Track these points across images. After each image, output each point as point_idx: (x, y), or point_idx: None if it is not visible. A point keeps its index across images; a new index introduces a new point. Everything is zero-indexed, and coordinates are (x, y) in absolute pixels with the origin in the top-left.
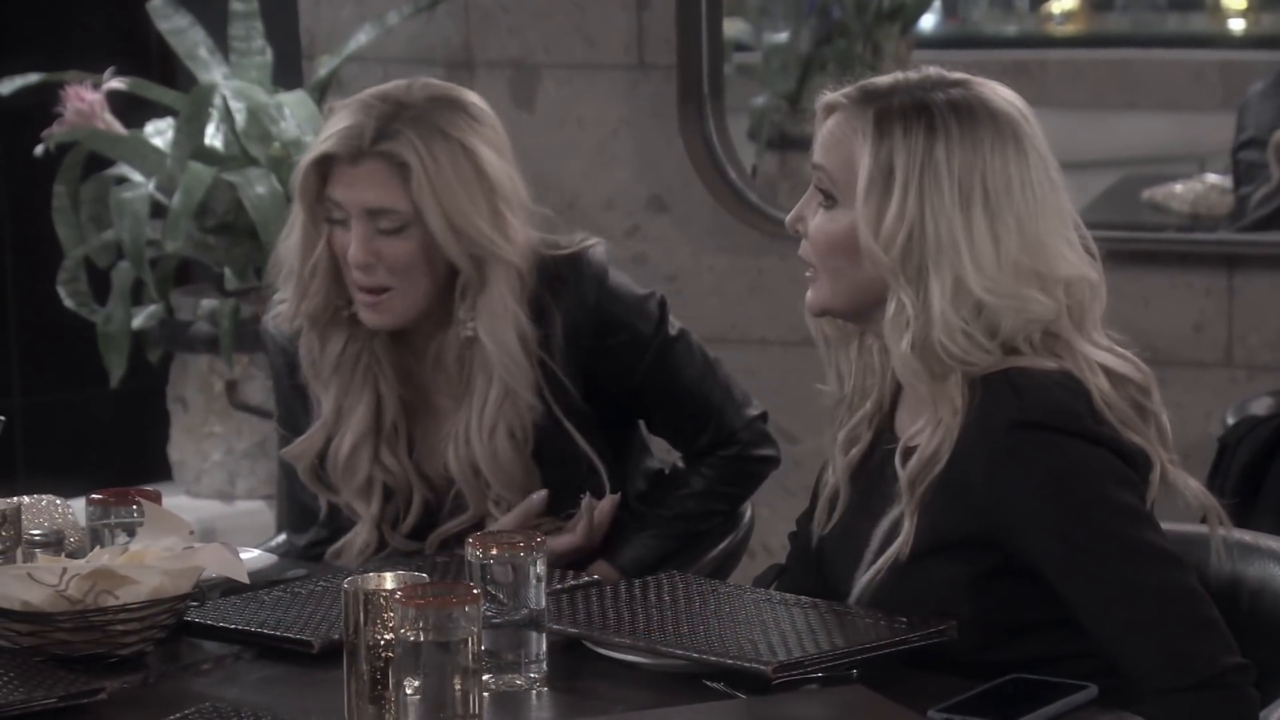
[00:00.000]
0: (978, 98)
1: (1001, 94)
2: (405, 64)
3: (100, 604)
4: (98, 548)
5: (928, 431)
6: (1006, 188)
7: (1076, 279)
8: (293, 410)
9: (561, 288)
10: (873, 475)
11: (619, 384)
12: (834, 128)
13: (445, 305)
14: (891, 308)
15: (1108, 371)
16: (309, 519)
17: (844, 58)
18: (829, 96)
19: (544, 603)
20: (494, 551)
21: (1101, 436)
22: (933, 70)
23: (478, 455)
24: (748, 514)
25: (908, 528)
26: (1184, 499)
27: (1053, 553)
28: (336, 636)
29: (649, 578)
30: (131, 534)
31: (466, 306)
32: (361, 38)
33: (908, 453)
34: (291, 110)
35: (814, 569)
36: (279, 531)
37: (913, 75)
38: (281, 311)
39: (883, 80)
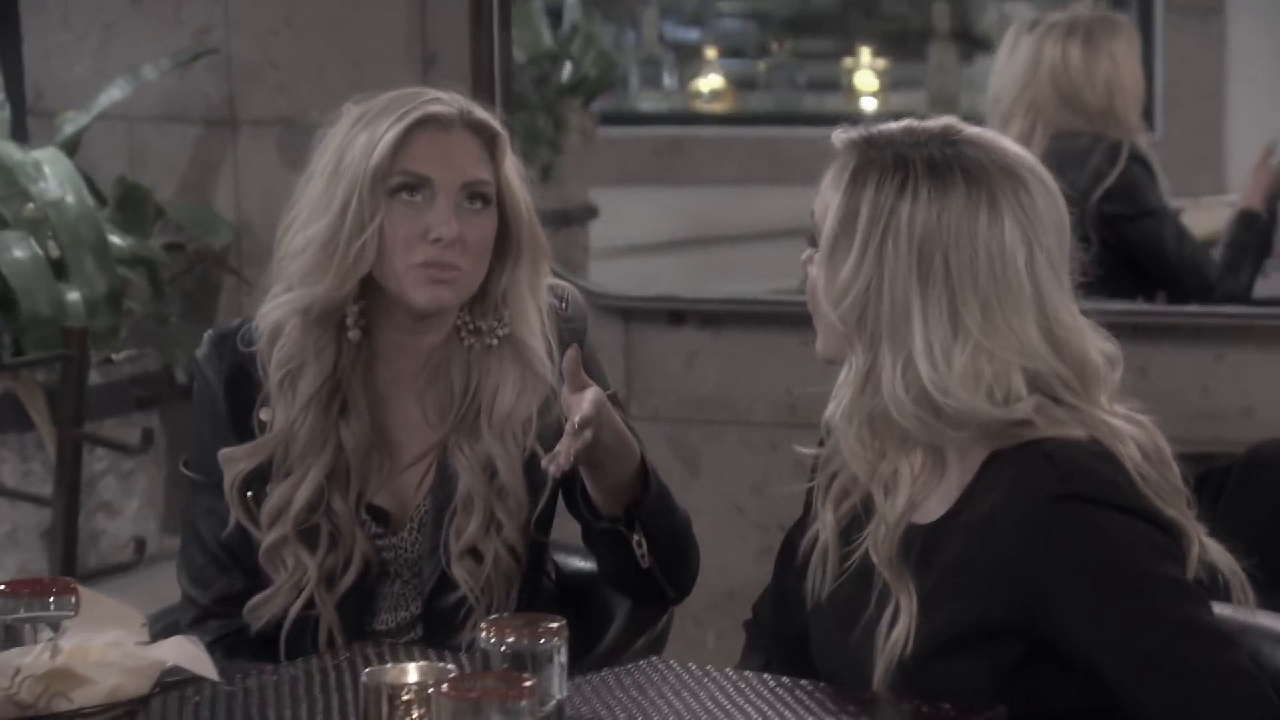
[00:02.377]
0: (961, 157)
1: (997, 155)
2: (158, 121)
3: (54, 708)
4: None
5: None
6: (971, 262)
7: (1051, 368)
8: (217, 447)
9: (559, 309)
10: (855, 550)
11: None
12: (828, 173)
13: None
14: (842, 372)
15: (1135, 442)
16: (217, 569)
17: (528, 131)
18: (833, 136)
19: (565, 692)
20: (511, 639)
21: (1145, 510)
22: (948, 122)
23: (500, 460)
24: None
25: (914, 619)
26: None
27: (1098, 633)
28: None
29: (660, 662)
30: (56, 628)
31: (495, 307)
32: (115, 93)
33: (914, 534)
34: (50, 168)
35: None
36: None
37: (924, 125)
38: (267, 310)
39: (892, 127)
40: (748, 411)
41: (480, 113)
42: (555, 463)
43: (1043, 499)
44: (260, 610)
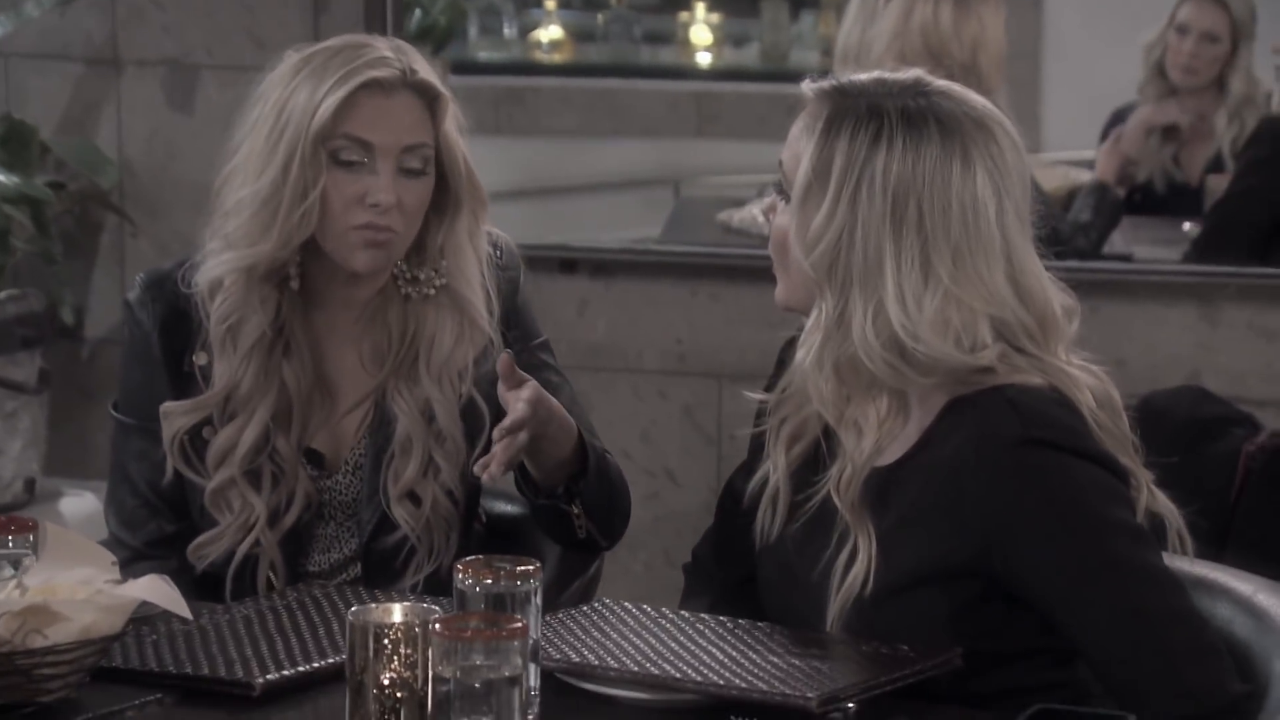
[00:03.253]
0: (935, 109)
1: (968, 108)
2: (38, 59)
3: (28, 645)
4: None
5: (886, 446)
6: (944, 211)
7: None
8: (151, 391)
9: (495, 258)
10: (816, 492)
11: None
12: (797, 123)
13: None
14: (810, 317)
15: (1090, 390)
16: (149, 512)
17: None
18: (802, 86)
19: (539, 632)
20: (489, 580)
21: (1102, 456)
22: (916, 74)
23: (437, 405)
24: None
25: (873, 559)
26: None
27: (1054, 574)
28: (277, 675)
29: (614, 604)
30: (16, 565)
31: (433, 258)
32: None
33: (872, 476)
34: None
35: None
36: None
37: (895, 77)
38: (209, 267)
39: (862, 78)
40: (638, 360)
41: (424, 73)
42: (488, 469)
43: (1005, 442)
44: (207, 549)
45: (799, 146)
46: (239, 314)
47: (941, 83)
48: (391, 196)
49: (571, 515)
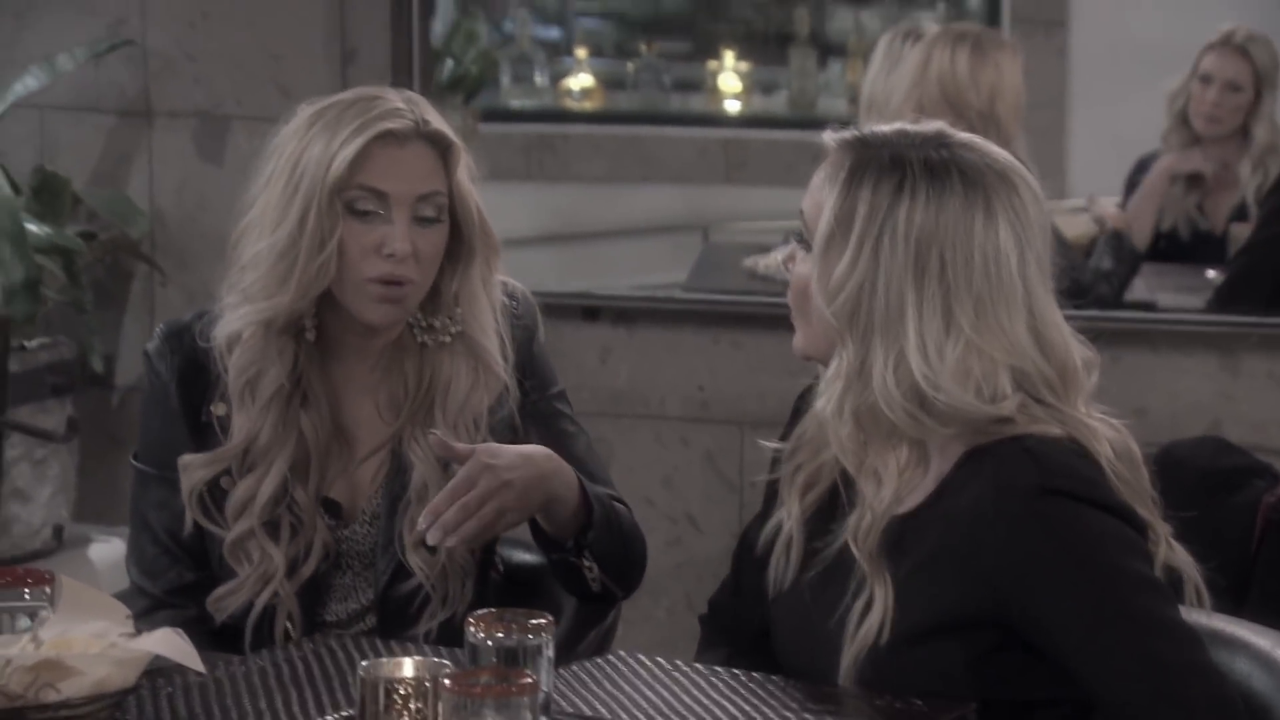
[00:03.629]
0: (958, 160)
1: (991, 160)
2: (72, 111)
3: (41, 699)
4: (11, 634)
5: (904, 495)
6: (967, 262)
7: (1038, 368)
8: (170, 441)
9: (511, 307)
10: (833, 540)
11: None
12: (819, 172)
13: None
14: (831, 366)
15: (1109, 443)
16: (169, 560)
17: None
18: (824, 136)
19: (551, 686)
20: (501, 634)
21: (1120, 508)
22: (939, 126)
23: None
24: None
25: (889, 609)
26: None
27: (1070, 625)
28: None
29: (629, 656)
30: (33, 617)
31: (448, 306)
32: (30, 81)
33: (889, 524)
34: None
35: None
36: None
37: (917, 129)
38: (228, 321)
39: (884, 130)
40: (660, 406)
41: (436, 123)
42: (431, 535)
43: (1022, 492)
44: (226, 602)
45: (820, 196)
46: (257, 366)
47: (964, 135)
48: (407, 245)
49: (583, 568)
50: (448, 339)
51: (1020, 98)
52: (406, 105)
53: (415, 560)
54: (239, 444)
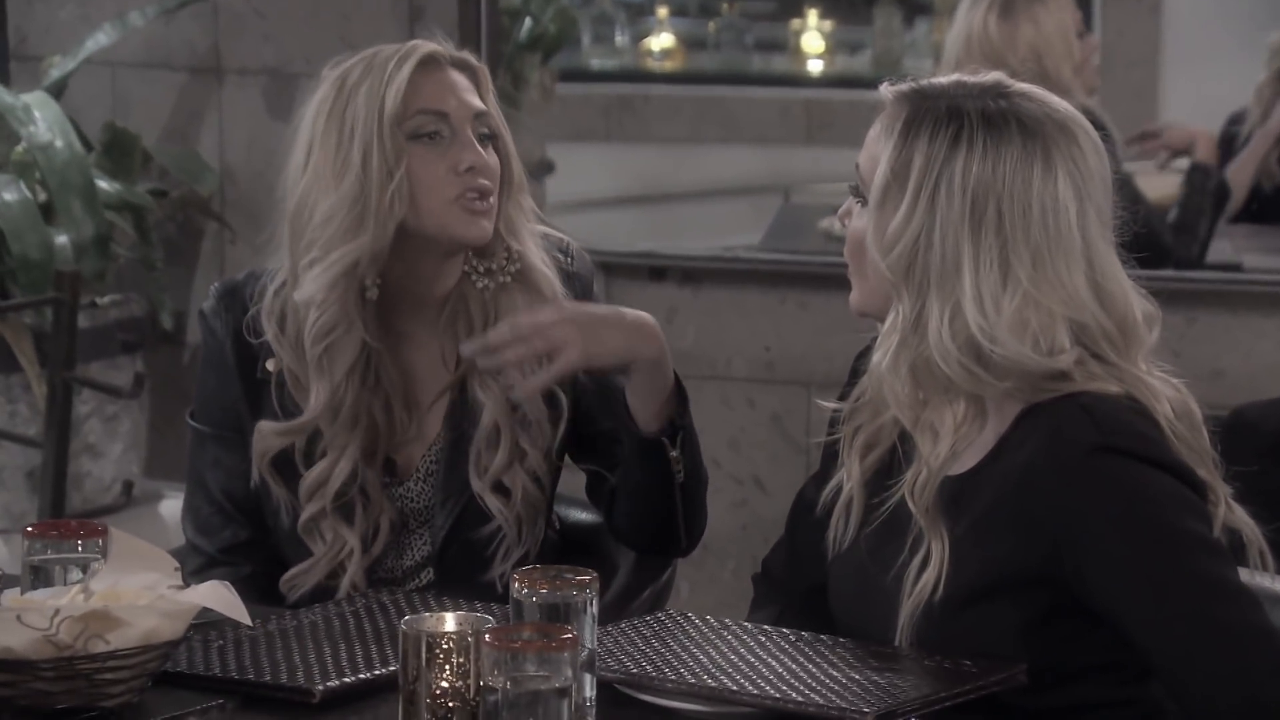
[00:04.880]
0: (1016, 110)
1: (1050, 110)
2: (143, 68)
3: (90, 649)
4: (63, 586)
5: (962, 453)
6: (1024, 213)
7: (1097, 322)
8: (225, 399)
9: (566, 264)
10: (891, 496)
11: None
12: (875, 125)
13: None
14: (887, 320)
15: (1169, 402)
16: (223, 519)
17: None
18: (880, 90)
19: (595, 643)
20: (544, 590)
21: (1178, 467)
22: (997, 76)
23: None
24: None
25: (944, 566)
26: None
27: (1126, 585)
28: (336, 683)
29: (678, 614)
30: (85, 569)
31: (501, 244)
32: (101, 38)
33: (946, 483)
34: (39, 112)
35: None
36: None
37: (975, 79)
38: (307, 282)
39: (941, 81)
40: (726, 367)
41: (459, 51)
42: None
43: (1079, 449)
44: (299, 581)
45: (876, 148)
46: (336, 331)
47: (1023, 85)
48: (483, 156)
49: (669, 454)
50: (506, 279)
51: (1069, 45)
52: (427, 40)
53: (493, 502)
54: (316, 413)
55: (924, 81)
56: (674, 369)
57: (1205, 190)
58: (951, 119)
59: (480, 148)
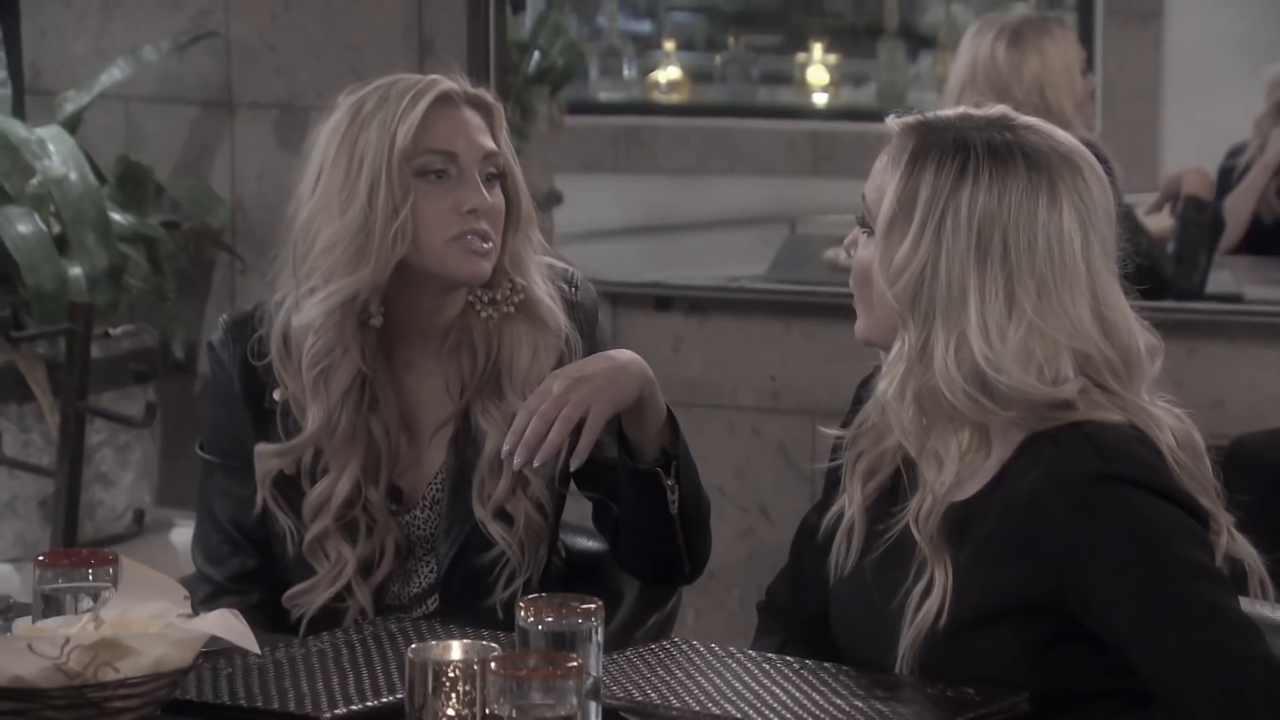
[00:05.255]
0: (1021, 143)
1: (1055, 143)
2: (156, 102)
3: (100, 678)
4: (74, 615)
5: (966, 481)
6: (1030, 244)
7: (1101, 352)
8: (233, 429)
9: (570, 294)
10: (895, 523)
11: None
12: (882, 156)
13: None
14: (893, 349)
15: (1171, 431)
16: (231, 548)
17: None
18: (887, 122)
19: (600, 670)
20: (550, 618)
21: (1181, 496)
22: (1003, 109)
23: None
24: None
25: (947, 592)
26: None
27: (1128, 614)
28: (344, 711)
29: (683, 643)
30: (95, 598)
31: (505, 275)
32: (115, 73)
33: (949, 510)
34: (54, 146)
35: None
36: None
37: (980, 112)
38: (301, 304)
39: (947, 113)
40: (732, 396)
41: (474, 87)
42: (517, 457)
43: (1082, 478)
44: (300, 600)
45: (883, 179)
46: (332, 356)
47: (1028, 118)
48: (486, 199)
49: (665, 485)
50: (510, 309)
51: (1072, 80)
52: (439, 76)
53: (496, 529)
54: (311, 435)
55: (930, 114)
56: (665, 400)
57: (1200, 223)
58: (958, 151)
59: (486, 189)
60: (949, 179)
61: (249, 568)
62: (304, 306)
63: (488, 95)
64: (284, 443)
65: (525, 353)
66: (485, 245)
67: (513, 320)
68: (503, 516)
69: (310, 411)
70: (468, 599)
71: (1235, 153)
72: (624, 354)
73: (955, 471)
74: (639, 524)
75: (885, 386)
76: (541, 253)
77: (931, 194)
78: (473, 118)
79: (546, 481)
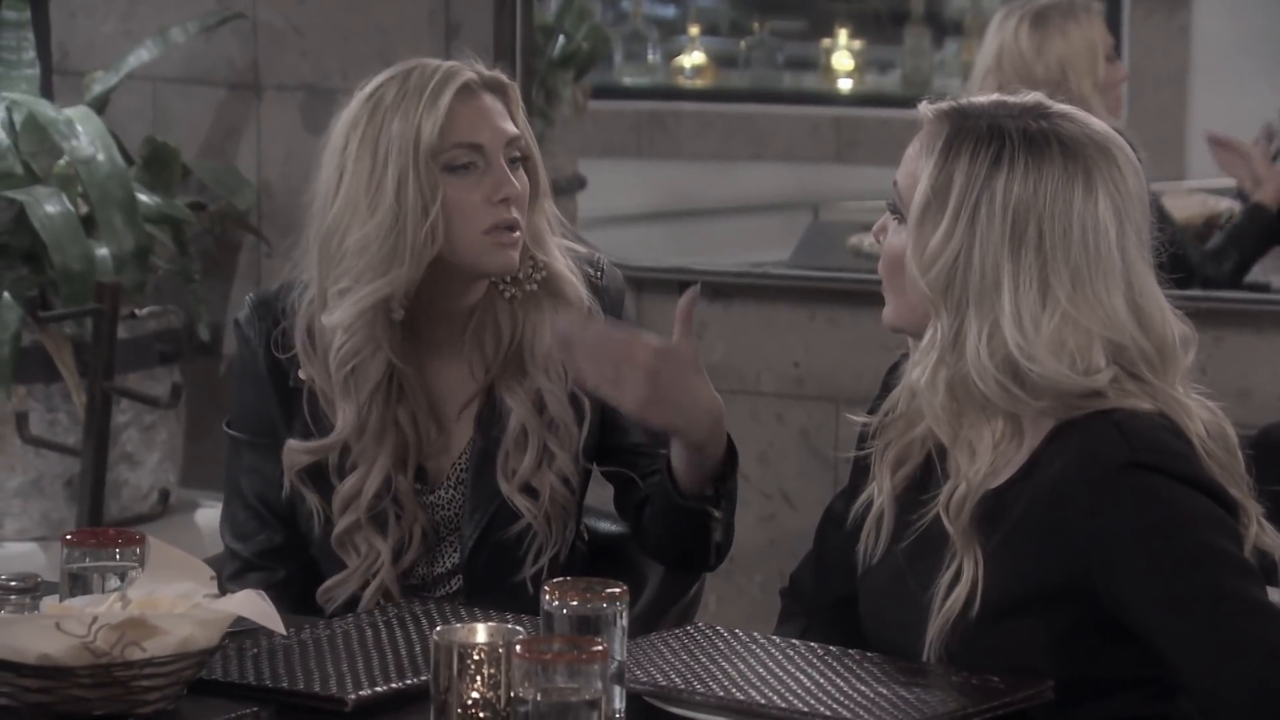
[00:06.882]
0: (1057, 131)
1: (1091, 131)
2: (183, 84)
3: (127, 657)
4: (100, 594)
5: (997, 471)
6: (1065, 233)
7: (1135, 342)
8: (266, 417)
9: (595, 278)
10: (927, 512)
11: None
12: (914, 143)
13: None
14: (925, 337)
15: (1202, 422)
16: (258, 524)
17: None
18: (920, 109)
19: (625, 655)
20: (575, 602)
21: (1210, 485)
22: (1037, 97)
23: (548, 394)
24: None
25: (976, 581)
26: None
27: (1155, 602)
28: (369, 692)
29: (706, 628)
30: (122, 578)
31: (528, 254)
32: (143, 54)
33: (980, 499)
34: (82, 126)
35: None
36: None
37: (1015, 99)
38: (331, 304)
39: (981, 100)
40: (755, 382)
41: (489, 70)
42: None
43: (1110, 465)
44: (334, 593)
45: (915, 166)
46: (361, 355)
47: (1063, 106)
48: (516, 186)
49: (712, 518)
50: (534, 287)
51: (1096, 63)
52: (460, 61)
53: (522, 502)
54: (341, 434)
55: (964, 100)
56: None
57: (1259, 230)
58: (993, 138)
59: (511, 173)
60: (984, 167)
61: (275, 543)
62: (334, 306)
63: (502, 75)
64: (313, 441)
65: (548, 329)
66: (515, 235)
67: (536, 298)
68: (528, 490)
69: (340, 409)
70: (495, 576)
71: (1269, 134)
72: (713, 406)
73: (989, 460)
74: (663, 539)
75: (917, 375)
76: (560, 229)
77: (966, 181)
78: (493, 104)
79: (571, 455)
